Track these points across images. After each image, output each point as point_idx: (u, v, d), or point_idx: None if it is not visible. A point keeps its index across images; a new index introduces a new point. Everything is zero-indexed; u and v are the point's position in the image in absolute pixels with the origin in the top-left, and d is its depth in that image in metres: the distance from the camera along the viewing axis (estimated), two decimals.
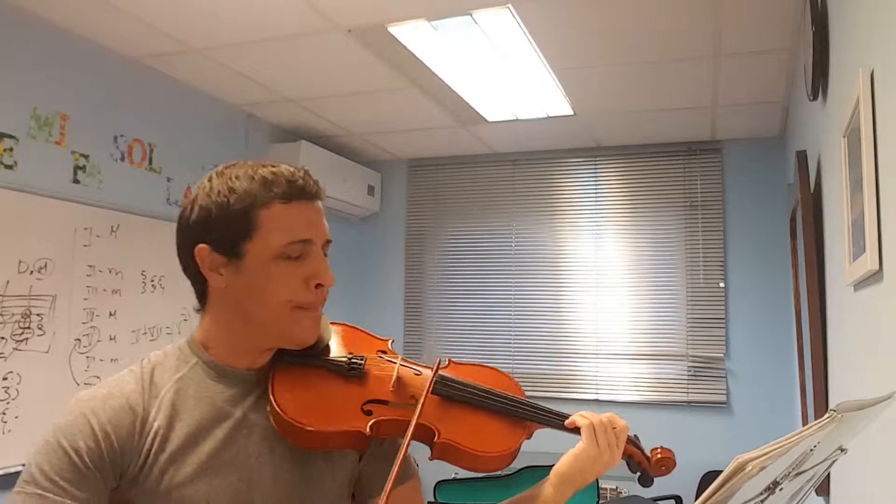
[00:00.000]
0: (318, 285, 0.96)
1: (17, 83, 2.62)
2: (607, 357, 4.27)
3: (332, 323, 1.09)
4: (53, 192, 2.73)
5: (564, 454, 1.05)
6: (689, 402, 4.07)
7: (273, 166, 0.97)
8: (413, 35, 2.78)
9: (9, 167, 2.58)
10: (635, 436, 1.14)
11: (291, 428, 0.93)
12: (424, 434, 0.99)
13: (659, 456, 1.11)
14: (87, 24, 2.76)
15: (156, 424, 0.92)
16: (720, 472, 0.61)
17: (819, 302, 2.19)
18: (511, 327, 4.46)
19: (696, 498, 0.75)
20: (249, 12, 2.62)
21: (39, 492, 0.85)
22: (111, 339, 2.94)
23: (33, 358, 2.61)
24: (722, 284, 4.11)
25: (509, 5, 2.50)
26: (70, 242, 2.78)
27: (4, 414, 2.49)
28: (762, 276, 4.05)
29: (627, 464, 1.10)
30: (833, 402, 2.03)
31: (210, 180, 0.99)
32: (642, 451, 1.11)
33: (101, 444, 0.88)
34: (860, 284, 1.50)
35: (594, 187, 4.43)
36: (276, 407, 0.94)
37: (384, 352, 1.09)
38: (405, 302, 4.72)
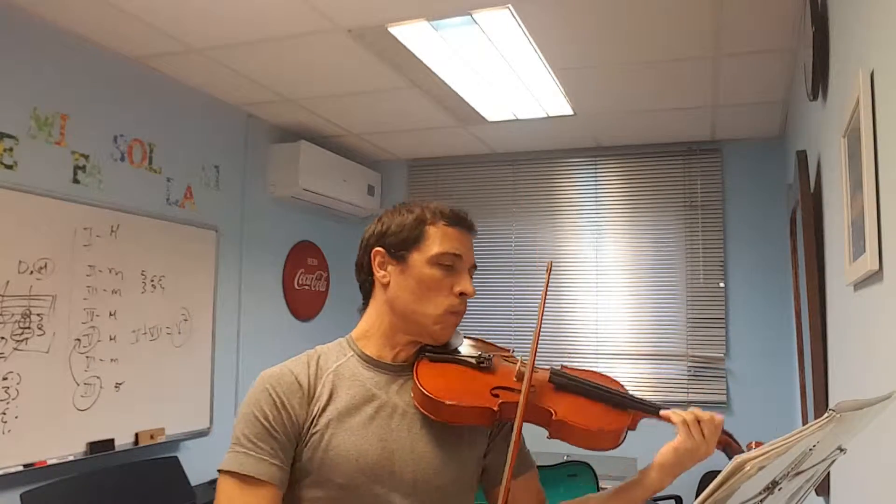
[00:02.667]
0: (461, 293, 1.21)
1: (17, 83, 2.62)
2: (607, 357, 4.27)
3: (466, 337, 1.33)
4: (53, 192, 2.73)
5: (666, 445, 1.18)
6: (689, 402, 4.07)
7: (443, 204, 1.27)
8: (413, 35, 2.78)
9: (9, 167, 2.58)
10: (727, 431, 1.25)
11: (433, 402, 1.14)
12: (542, 415, 1.17)
13: (754, 446, 1.19)
14: (87, 24, 2.76)
15: (320, 398, 1.15)
16: (720, 472, 0.61)
17: (819, 302, 2.19)
18: (511, 327, 4.46)
19: (696, 497, 0.77)
20: (249, 12, 2.62)
21: (243, 451, 1.10)
22: (111, 339, 2.94)
23: (33, 358, 2.61)
24: (722, 284, 4.11)
25: (509, 5, 2.50)
26: (70, 242, 2.78)
27: (4, 414, 2.49)
28: (762, 276, 4.05)
29: (725, 453, 1.21)
30: (833, 402, 2.03)
31: (394, 207, 1.28)
32: (738, 444, 1.24)
33: (280, 412, 1.12)
34: (860, 284, 1.50)
35: (594, 187, 4.43)
36: (420, 387, 1.15)
37: (506, 357, 1.30)
38: None
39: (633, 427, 1.21)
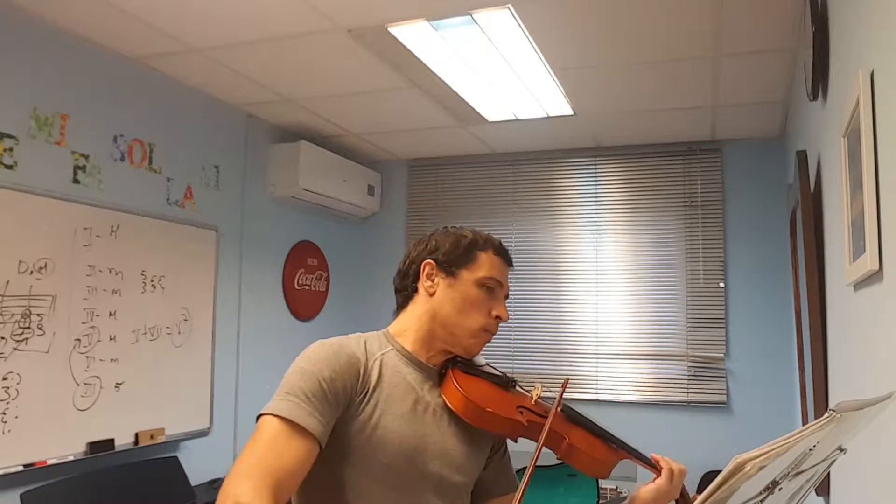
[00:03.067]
0: (497, 317, 1.34)
1: (17, 83, 2.62)
2: (607, 357, 4.27)
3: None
4: (53, 192, 2.73)
5: (644, 486, 1.33)
6: (689, 402, 4.07)
7: (490, 236, 1.43)
8: (413, 35, 2.78)
9: (9, 167, 2.58)
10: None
11: (474, 407, 1.26)
12: (556, 439, 1.31)
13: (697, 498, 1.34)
14: (87, 24, 2.76)
15: (370, 378, 1.23)
16: (720, 472, 0.61)
17: (819, 302, 2.19)
18: (511, 327, 4.46)
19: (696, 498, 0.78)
20: (249, 12, 2.62)
21: (297, 401, 1.13)
22: (111, 339, 2.94)
23: (33, 358, 2.61)
24: (722, 284, 4.11)
25: (509, 5, 2.50)
26: (70, 242, 2.78)
27: (4, 414, 2.49)
28: (762, 276, 4.05)
29: (678, 500, 1.38)
30: (833, 402, 2.03)
31: (445, 228, 1.43)
32: (687, 496, 1.39)
33: (336, 378, 1.18)
34: (860, 284, 1.50)
35: (594, 187, 4.43)
36: (462, 392, 1.27)
37: (517, 383, 1.45)
38: None
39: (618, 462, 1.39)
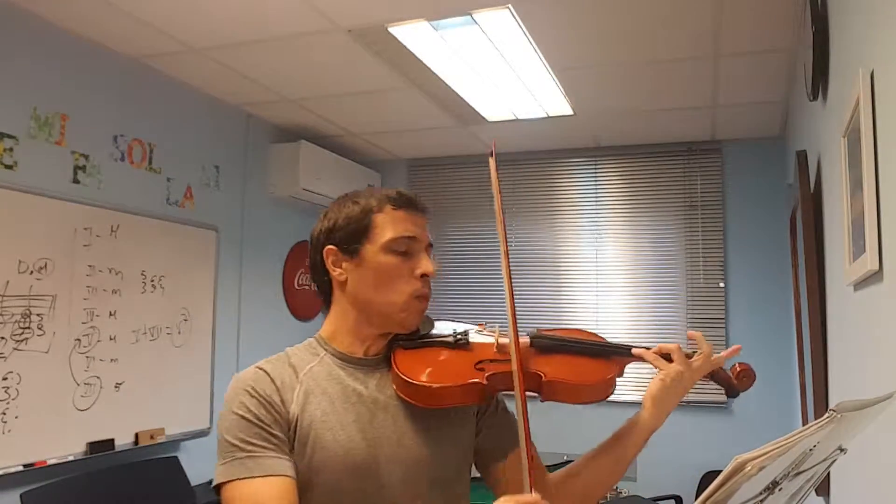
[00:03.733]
0: (422, 275, 1.16)
1: (17, 83, 2.62)
2: None
3: (428, 317, 1.28)
4: (53, 192, 2.73)
5: (652, 380, 1.21)
6: (689, 402, 4.07)
7: (389, 188, 1.24)
8: (413, 35, 2.78)
9: (9, 167, 2.58)
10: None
11: (419, 389, 1.11)
12: (532, 380, 1.15)
13: (738, 370, 1.29)
14: (87, 24, 2.76)
15: (297, 398, 1.10)
16: (720, 472, 0.61)
17: (819, 302, 2.19)
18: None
19: (696, 498, 0.77)
20: (249, 12, 2.62)
21: (244, 455, 1.03)
22: (111, 339, 2.94)
23: (33, 358, 2.61)
24: (722, 284, 4.11)
25: (509, 5, 2.50)
26: (70, 242, 2.78)
27: (4, 414, 2.49)
28: (762, 276, 4.04)
29: (714, 380, 1.28)
30: (833, 402, 2.03)
31: (337, 200, 1.23)
32: (724, 370, 1.29)
33: (267, 408, 1.07)
34: (860, 284, 1.50)
35: (594, 187, 4.43)
36: (402, 375, 1.12)
37: (480, 330, 1.28)
38: None
39: (620, 374, 1.23)
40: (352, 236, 1.17)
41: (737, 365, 1.27)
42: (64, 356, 2.73)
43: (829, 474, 1.97)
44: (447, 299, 4.63)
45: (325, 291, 1.22)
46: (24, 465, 2.55)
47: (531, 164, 4.56)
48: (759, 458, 0.59)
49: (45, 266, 2.67)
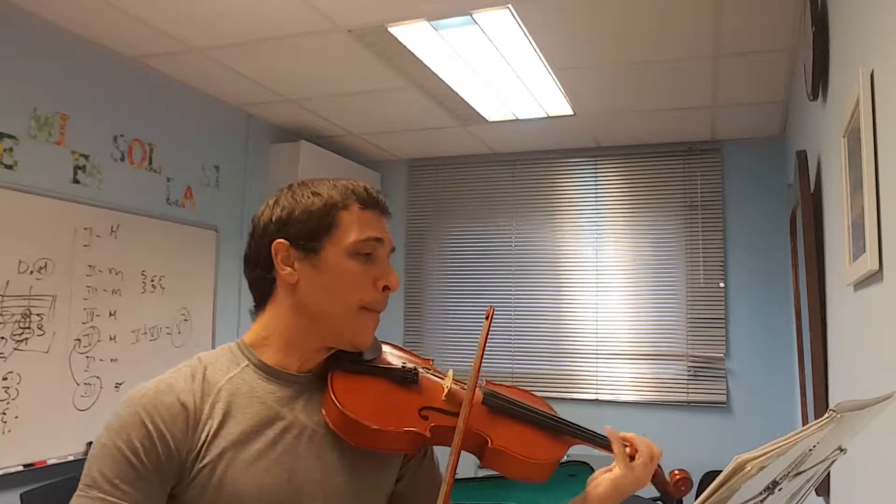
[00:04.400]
0: (384, 287, 1.02)
1: (17, 83, 2.62)
2: (607, 357, 4.27)
3: (382, 342, 1.14)
4: (53, 192, 2.73)
5: (602, 475, 1.09)
6: (689, 402, 4.07)
7: (350, 179, 1.06)
8: (413, 35, 2.78)
9: (9, 167, 2.58)
10: None
11: (355, 426, 0.96)
12: (476, 442, 1.03)
13: (678, 477, 1.18)
14: (87, 24, 2.76)
15: (209, 421, 0.94)
16: (720, 472, 0.61)
17: (819, 302, 2.19)
18: (511, 327, 4.46)
19: (696, 498, 0.76)
20: (249, 12, 2.62)
21: (101, 496, 0.87)
22: (111, 339, 2.94)
23: (33, 358, 2.61)
24: (722, 284, 4.11)
25: (509, 5, 2.50)
26: (70, 242, 2.78)
27: (4, 414, 2.49)
28: (762, 276, 4.05)
29: (654, 484, 1.15)
30: (833, 402, 2.03)
31: (290, 188, 1.06)
32: (664, 473, 1.16)
33: (156, 444, 0.90)
34: (860, 284, 1.50)
35: (594, 187, 4.43)
36: (338, 405, 0.96)
37: (428, 368, 1.14)
38: (405, 302, 4.72)
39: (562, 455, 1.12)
40: (311, 233, 1.00)
41: (676, 471, 1.17)
42: (64, 356, 2.73)
43: (829, 474, 1.97)
44: (447, 300, 4.63)
45: (262, 290, 1.04)
46: (24, 465, 2.55)
47: (531, 164, 4.56)
48: (759, 458, 0.59)
49: (45, 266, 2.67)
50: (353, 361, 1.04)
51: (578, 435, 1.11)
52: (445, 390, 1.06)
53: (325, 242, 1.00)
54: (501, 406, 1.09)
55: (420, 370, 1.09)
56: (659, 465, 1.14)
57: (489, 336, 1.03)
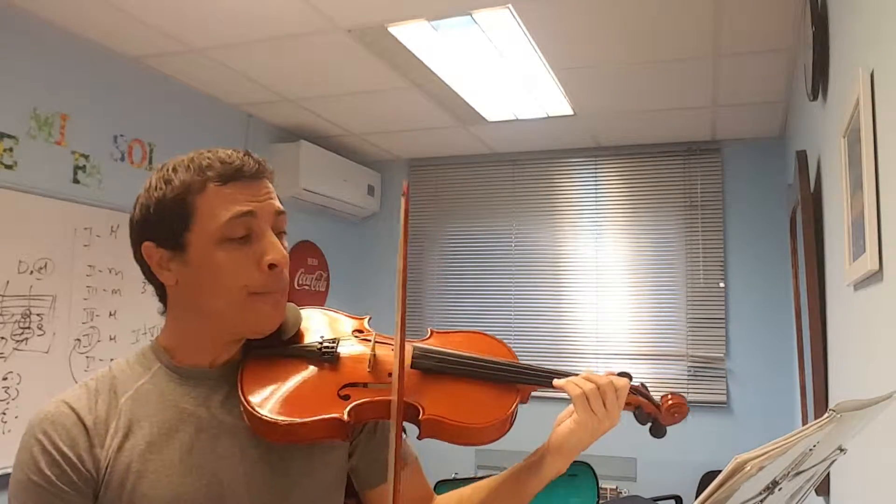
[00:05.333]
0: (270, 265, 0.91)
1: (17, 83, 2.62)
2: (607, 357, 4.26)
3: (302, 308, 1.03)
4: (53, 192, 2.73)
5: (562, 419, 0.99)
6: (689, 402, 4.06)
7: (210, 152, 0.96)
8: (413, 35, 2.78)
9: (9, 167, 2.58)
10: (642, 384, 1.06)
11: (265, 424, 0.88)
12: (408, 413, 0.92)
13: (670, 402, 1.06)
14: (87, 24, 2.76)
15: (115, 436, 0.88)
16: (720, 472, 0.61)
17: (819, 302, 2.19)
18: (511, 327, 4.46)
19: (696, 498, 0.74)
20: (249, 12, 2.62)
21: None
22: (111, 339, 2.94)
23: (33, 358, 2.61)
24: (722, 284, 4.11)
25: (509, 5, 2.50)
26: (70, 242, 2.78)
27: (4, 414, 2.49)
28: (762, 276, 4.05)
29: (635, 415, 1.04)
30: (833, 402, 2.03)
31: (150, 178, 0.96)
32: (651, 401, 1.05)
33: (65, 467, 0.85)
34: (860, 284, 1.50)
35: (594, 187, 4.43)
36: (246, 404, 0.89)
37: (360, 331, 1.03)
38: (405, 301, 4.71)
39: (524, 401, 0.99)
40: (169, 230, 0.90)
41: (669, 396, 1.06)
42: (64, 356, 2.73)
43: (829, 474, 1.97)
44: (447, 300, 4.63)
45: (158, 293, 0.98)
46: None
47: (531, 164, 4.56)
48: (759, 458, 0.59)
49: (45, 266, 2.67)
50: (268, 345, 0.96)
51: (533, 380, 0.99)
52: (368, 359, 0.95)
53: (188, 237, 0.90)
54: (432, 366, 0.97)
55: (340, 341, 0.98)
56: (645, 394, 1.04)
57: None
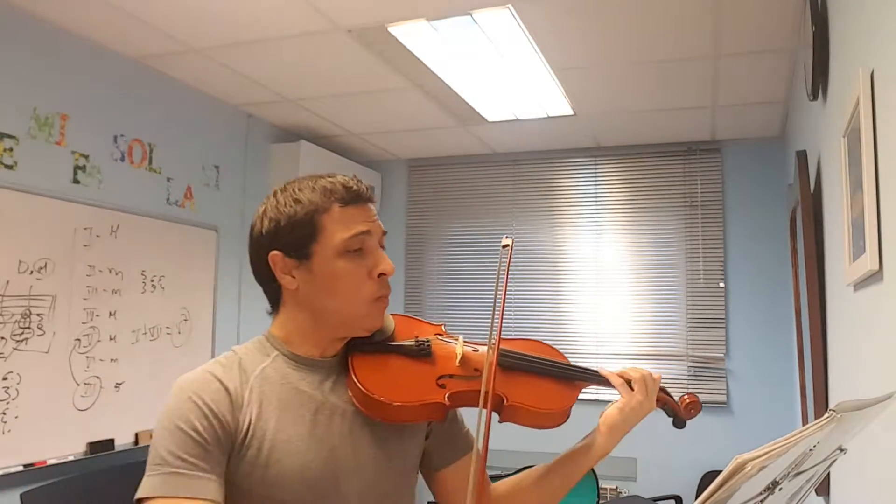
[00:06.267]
0: (380, 274, 1.08)
1: (17, 83, 2.62)
2: (607, 357, 4.27)
3: (392, 315, 1.21)
4: (53, 192, 2.73)
5: (609, 406, 1.19)
6: None
7: (330, 177, 1.11)
8: (413, 35, 2.78)
9: (9, 167, 2.58)
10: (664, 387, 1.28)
11: (379, 405, 1.05)
12: (495, 401, 1.09)
13: (687, 401, 1.27)
14: (87, 24, 2.76)
15: (250, 406, 1.02)
16: (720, 472, 0.61)
17: (819, 302, 2.19)
18: (511, 327, 4.46)
19: (696, 498, 0.77)
20: (250, 12, 2.62)
21: (173, 470, 0.94)
22: (111, 339, 2.94)
23: (33, 358, 2.61)
24: (722, 284, 4.11)
25: (509, 5, 2.50)
26: (70, 242, 2.78)
27: (4, 414, 2.49)
28: (762, 276, 4.05)
29: (663, 410, 1.26)
30: (833, 402, 2.03)
31: (275, 195, 1.11)
32: (673, 399, 1.27)
33: (211, 421, 0.98)
34: (860, 284, 1.50)
35: (594, 187, 4.43)
36: (361, 387, 1.05)
37: (440, 334, 1.22)
38: (405, 302, 4.72)
39: (578, 396, 1.22)
40: (299, 242, 1.06)
41: (686, 396, 1.29)
42: (64, 356, 2.73)
43: (829, 474, 1.97)
44: (447, 300, 4.63)
45: (272, 296, 1.13)
46: (24, 465, 2.55)
47: (531, 164, 4.56)
48: (759, 458, 0.59)
49: (45, 266, 2.67)
50: (370, 342, 1.13)
51: (586, 377, 1.21)
52: (458, 356, 1.15)
53: (314, 248, 1.06)
54: (512, 363, 1.17)
55: (432, 340, 1.18)
56: (668, 394, 1.26)
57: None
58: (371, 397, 1.05)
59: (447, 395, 1.08)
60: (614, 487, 4.07)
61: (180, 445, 0.96)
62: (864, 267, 1.31)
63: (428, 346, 1.16)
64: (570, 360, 1.26)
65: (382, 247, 1.12)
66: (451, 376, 1.12)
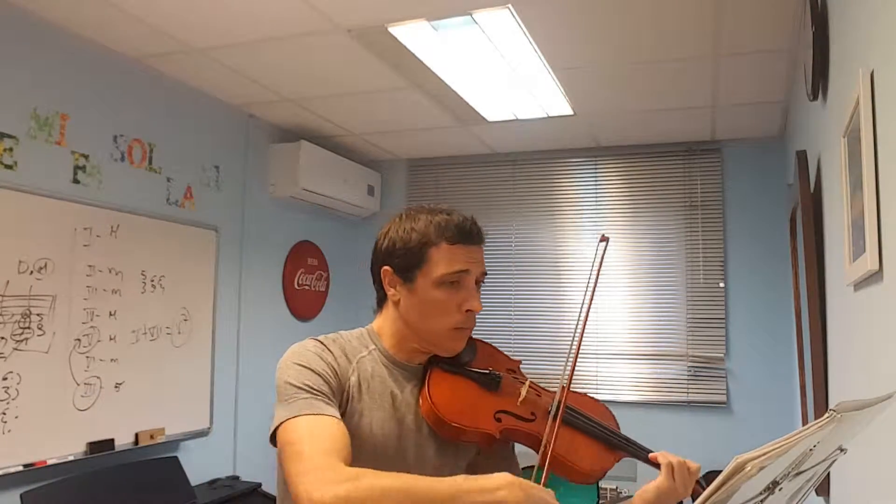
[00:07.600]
0: (468, 310, 1.23)
1: (17, 83, 2.62)
2: (607, 357, 4.27)
3: (477, 341, 1.35)
4: (53, 192, 2.73)
5: (649, 484, 1.26)
6: (689, 402, 4.07)
7: (448, 213, 1.25)
8: (413, 35, 2.78)
9: (9, 167, 2.58)
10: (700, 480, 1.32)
11: (438, 419, 1.18)
12: (538, 444, 1.20)
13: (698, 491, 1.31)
14: (87, 24, 2.76)
15: (351, 378, 1.20)
16: (720, 472, 0.61)
17: (819, 302, 2.19)
18: (511, 327, 4.46)
19: (696, 498, 0.79)
20: (249, 12, 2.62)
21: (310, 395, 1.10)
22: (111, 339, 2.94)
23: (33, 358, 2.61)
24: (722, 284, 4.11)
25: (509, 5, 2.50)
26: (70, 242, 2.78)
27: (4, 414, 2.49)
28: (762, 276, 4.04)
29: (692, 498, 1.27)
30: (833, 402, 2.03)
31: (400, 218, 1.27)
32: (704, 489, 1.27)
33: (333, 372, 1.17)
34: (860, 284, 1.50)
35: (594, 187, 4.43)
36: (429, 400, 1.19)
37: (513, 370, 1.34)
38: None
39: (617, 461, 1.28)
40: (407, 266, 1.23)
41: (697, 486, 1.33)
42: (64, 356, 2.73)
43: (829, 474, 1.97)
44: None
45: (379, 297, 1.30)
46: (24, 465, 2.55)
47: (531, 164, 4.56)
48: (759, 458, 0.59)
49: (45, 266, 2.67)
50: (450, 362, 1.27)
51: (630, 450, 1.29)
52: (521, 397, 1.26)
53: (418, 274, 1.22)
54: (569, 419, 1.26)
55: (504, 375, 1.29)
56: (703, 486, 1.27)
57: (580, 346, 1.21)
58: (434, 411, 1.18)
59: (501, 429, 1.19)
60: (614, 487, 4.07)
61: (311, 380, 1.12)
62: (864, 267, 1.31)
63: (499, 379, 1.27)
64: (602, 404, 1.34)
65: (479, 284, 1.27)
66: (508, 412, 1.22)
